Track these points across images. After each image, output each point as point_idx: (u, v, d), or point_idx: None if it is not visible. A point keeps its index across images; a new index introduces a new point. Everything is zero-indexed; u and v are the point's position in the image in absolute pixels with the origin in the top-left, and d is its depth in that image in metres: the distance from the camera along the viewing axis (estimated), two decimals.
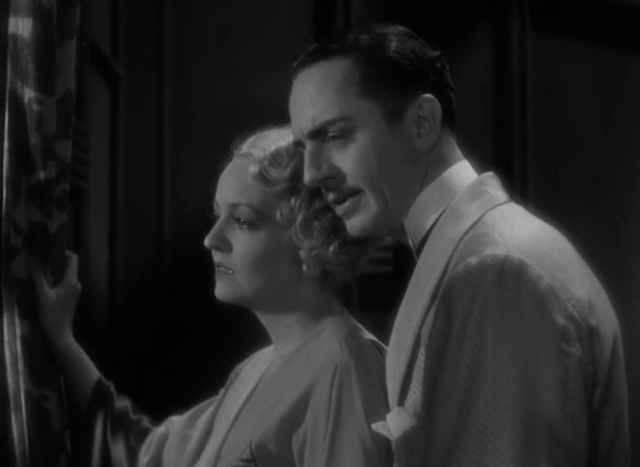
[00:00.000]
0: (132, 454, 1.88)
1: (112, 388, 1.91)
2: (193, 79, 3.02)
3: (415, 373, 1.44)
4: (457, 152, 1.57)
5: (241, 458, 1.62)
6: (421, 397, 1.41)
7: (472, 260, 1.38)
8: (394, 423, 1.45)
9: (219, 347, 2.59)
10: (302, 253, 1.67)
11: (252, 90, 3.00)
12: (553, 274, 1.37)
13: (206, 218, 1.75)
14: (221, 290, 1.70)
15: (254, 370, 1.80)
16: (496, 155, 3.43)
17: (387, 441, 1.50)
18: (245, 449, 1.62)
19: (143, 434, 1.89)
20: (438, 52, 1.57)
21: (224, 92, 3.02)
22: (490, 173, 1.55)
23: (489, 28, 3.50)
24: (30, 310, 1.83)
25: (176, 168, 2.98)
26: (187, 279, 2.86)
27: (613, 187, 3.61)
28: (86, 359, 1.90)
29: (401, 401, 1.46)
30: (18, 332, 1.81)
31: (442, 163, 1.54)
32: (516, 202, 1.53)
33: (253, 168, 1.67)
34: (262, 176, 1.67)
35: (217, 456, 1.68)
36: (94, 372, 1.90)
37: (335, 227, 1.64)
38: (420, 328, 1.43)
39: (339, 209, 1.56)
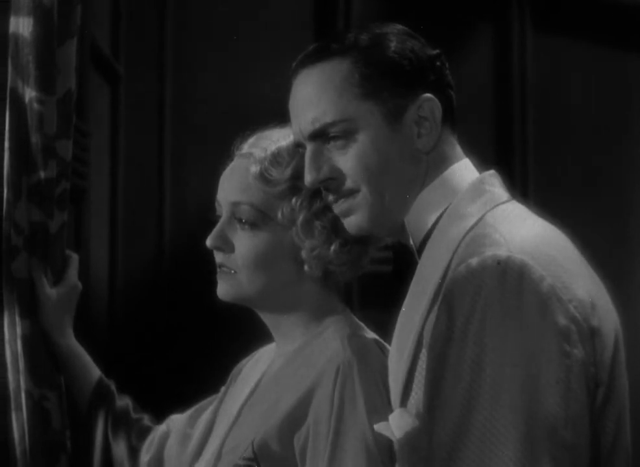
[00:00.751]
0: (134, 453, 1.88)
1: (113, 387, 1.91)
2: (193, 79, 3.02)
3: (417, 374, 1.44)
4: (458, 150, 1.57)
5: (243, 457, 1.62)
6: (423, 398, 1.41)
7: (474, 261, 1.38)
8: (397, 424, 1.45)
9: (219, 347, 2.59)
10: (303, 253, 1.67)
11: (252, 90, 3.00)
12: (555, 275, 1.37)
13: (207, 218, 1.75)
14: (223, 290, 1.70)
15: (255, 368, 1.80)
16: (497, 155, 3.43)
17: (389, 441, 1.50)
18: (247, 448, 1.62)
19: (144, 432, 1.89)
20: (438, 51, 1.56)
21: (224, 92, 3.02)
22: (491, 171, 1.55)
23: (489, 28, 3.50)
24: (31, 309, 1.83)
25: (177, 168, 2.98)
26: (187, 279, 2.86)
27: (613, 186, 3.61)
28: (86, 358, 1.90)
29: (403, 401, 1.46)
30: (19, 331, 1.81)
31: (443, 162, 1.54)
32: (517, 201, 1.53)
33: (254, 168, 1.67)
34: (263, 176, 1.67)
35: (218, 455, 1.69)
36: (95, 371, 1.90)
37: (336, 227, 1.64)
38: (422, 329, 1.43)
39: (336, 209, 1.56)
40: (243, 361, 1.87)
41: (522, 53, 3.50)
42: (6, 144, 1.81)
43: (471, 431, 1.32)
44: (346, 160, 1.52)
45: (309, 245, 1.66)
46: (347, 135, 1.52)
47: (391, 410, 1.49)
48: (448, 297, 1.38)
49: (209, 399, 1.88)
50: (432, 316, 1.41)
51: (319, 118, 1.52)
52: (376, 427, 1.50)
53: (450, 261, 1.42)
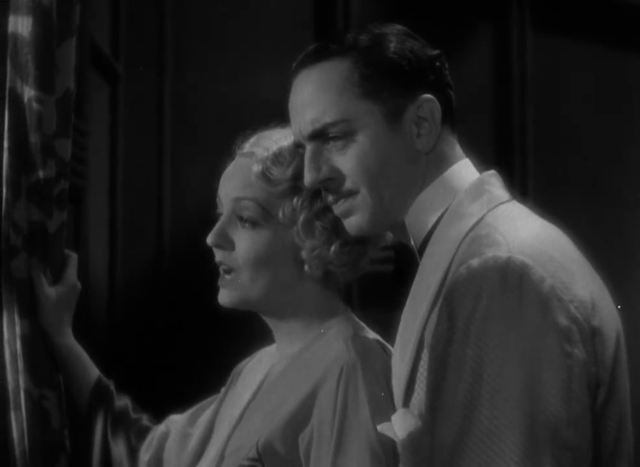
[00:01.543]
0: (133, 453, 1.88)
1: (112, 387, 1.91)
2: (193, 79, 3.02)
3: (419, 375, 1.44)
4: (458, 150, 1.57)
5: (247, 458, 1.62)
6: (425, 398, 1.41)
7: (474, 262, 1.37)
8: (400, 425, 1.45)
9: (219, 347, 2.59)
10: (303, 254, 1.67)
11: (252, 90, 2.99)
12: (555, 275, 1.37)
13: (206, 217, 1.75)
14: (225, 296, 1.69)
15: (256, 368, 1.80)
16: (496, 155, 3.43)
17: (393, 441, 1.50)
18: (251, 449, 1.62)
19: (143, 432, 1.89)
20: (437, 51, 1.56)
21: (224, 91, 3.02)
22: (492, 171, 1.55)
23: (489, 28, 3.50)
24: (30, 309, 1.82)
25: (176, 168, 2.98)
26: (187, 279, 2.86)
27: (613, 187, 3.61)
28: (85, 358, 1.90)
29: (406, 402, 1.46)
30: (18, 331, 1.81)
31: (443, 162, 1.54)
32: (517, 201, 1.53)
33: (256, 167, 1.67)
34: (265, 175, 1.67)
35: (221, 456, 1.68)
36: (94, 371, 1.90)
37: (337, 228, 1.63)
38: (424, 330, 1.43)
39: (336, 209, 1.56)
40: (244, 362, 1.87)
41: (522, 53, 3.50)
42: (5, 143, 1.80)
43: (473, 432, 1.32)
44: (346, 161, 1.52)
45: (309, 245, 1.66)
46: (347, 135, 1.52)
47: (395, 411, 1.49)
48: (449, 298, 1.38)
49: (209, 399, 1.88)
50: (433, 317, 1.41)
51: (318, 118, 1.52)
52: (379, 427, 1.49)
53: (451, 261, 1.42)
